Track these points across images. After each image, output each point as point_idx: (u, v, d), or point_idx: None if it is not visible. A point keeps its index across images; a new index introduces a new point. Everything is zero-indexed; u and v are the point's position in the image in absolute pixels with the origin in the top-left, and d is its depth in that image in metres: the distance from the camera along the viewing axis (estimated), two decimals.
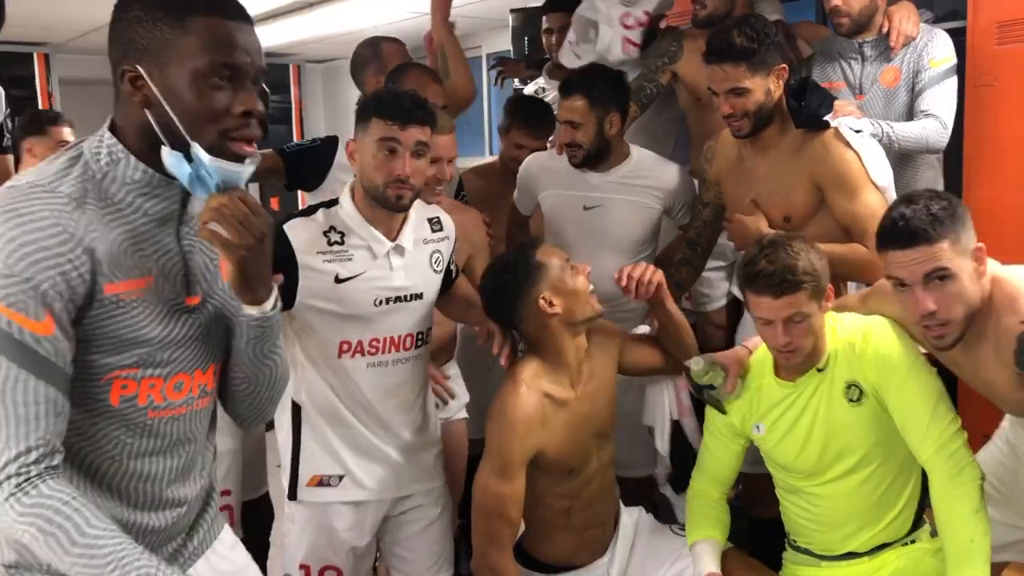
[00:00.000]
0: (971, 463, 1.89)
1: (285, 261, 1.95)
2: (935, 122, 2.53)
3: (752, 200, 2.39)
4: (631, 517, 2.38)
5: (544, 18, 3.59)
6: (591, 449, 2.22)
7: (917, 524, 2.10)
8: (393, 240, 2.09)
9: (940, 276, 1.76)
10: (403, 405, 2.19)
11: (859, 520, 2.06)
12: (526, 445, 2.08)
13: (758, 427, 2.12)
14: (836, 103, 2.38)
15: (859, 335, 2.02)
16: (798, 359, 2.00)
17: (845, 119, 2.33)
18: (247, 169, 1.30)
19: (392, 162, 1.99)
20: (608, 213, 2.62)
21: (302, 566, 2.19)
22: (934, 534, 2.11)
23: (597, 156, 2.62)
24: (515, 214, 2.92)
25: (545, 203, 2.76)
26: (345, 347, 2.09)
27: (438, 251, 2.22)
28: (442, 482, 2.32)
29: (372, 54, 2.99)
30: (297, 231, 2.03)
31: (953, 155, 2.77)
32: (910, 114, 2.62)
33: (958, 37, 2.71)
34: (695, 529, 2.15)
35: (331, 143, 2.73)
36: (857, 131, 2.30)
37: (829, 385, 2.03)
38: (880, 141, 2.43)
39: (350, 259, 2.06)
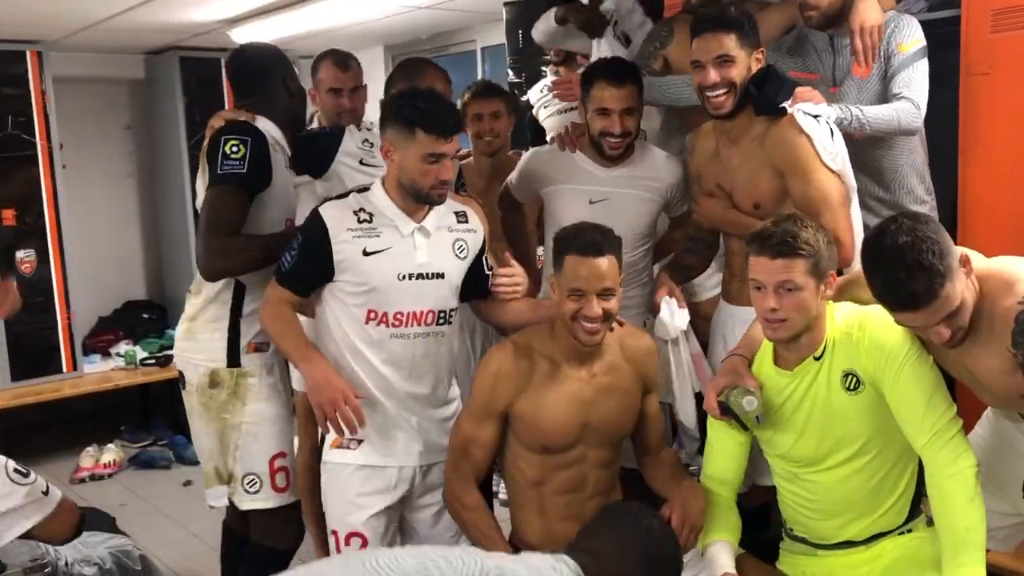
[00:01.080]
0: (967, 451, 1.90)
1: (320, 237, 2.21)
2: (907, 103, 2.49)
3: (717, 184, 2.44)
4: None
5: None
6: (576, 437, 2.24)
7: (913, 514, 2.11)
8: (418, 222, 2.27)
9: (950, 316, 1.80)
10: (423, 377, 2.33)
11: (856, 509, 2.07)
12: (496, 394, 2.23)
13: (757, 418, 2.11)
14: (798, 89, 2.39)
15: (856, 324, 2.03)
16: (786, 333, 2.00)
17: (802, 104, 2.35)
18: None
19: (437, 169, 2.19)
20: (614, 207, 2.62)
21: (332, 531, 2.33)
22: (930, 523, 2.11)
23: (629, 147, 2.65)
24: (507, 200, 2.94)
25: (550, 197, 2.76)
26: (372, 315, 2.26)
27: (462, 240, 2.36)
28: None
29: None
30: (329, 212, 2.25)
31: (948, 144, 2.77)
32: (885, 102, 2.57)
33: (952, 26, 2.70)
34: (707, 533, 2.16)
35: (337, 132, 2.82)
36: (815, 116, 2.32)
37: (827, 374, 2.03)
38: (851, 125, 2.43)
39: (378, 236, 2.24)
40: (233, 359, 2.50)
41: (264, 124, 2.50)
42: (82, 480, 4.67)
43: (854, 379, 2.01)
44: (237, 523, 2.71)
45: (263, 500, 2.53)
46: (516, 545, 2.34)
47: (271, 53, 2.68)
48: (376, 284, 2.24)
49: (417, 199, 2.24)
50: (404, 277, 2.26)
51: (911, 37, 2.53)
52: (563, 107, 3.45)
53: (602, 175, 2.67)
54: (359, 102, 2.97)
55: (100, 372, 5.26)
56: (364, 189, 2.31)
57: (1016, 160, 2.55)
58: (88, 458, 4.78)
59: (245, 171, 2.35)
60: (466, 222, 2.39)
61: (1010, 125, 2.58)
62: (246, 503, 2.55)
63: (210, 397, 2.51)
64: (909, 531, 2.10)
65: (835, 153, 2.31)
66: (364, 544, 2.29)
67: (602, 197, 2.64)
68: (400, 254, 2.25)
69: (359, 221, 2.23)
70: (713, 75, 2.29)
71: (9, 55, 4.90)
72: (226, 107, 5.50)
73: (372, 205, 2.26)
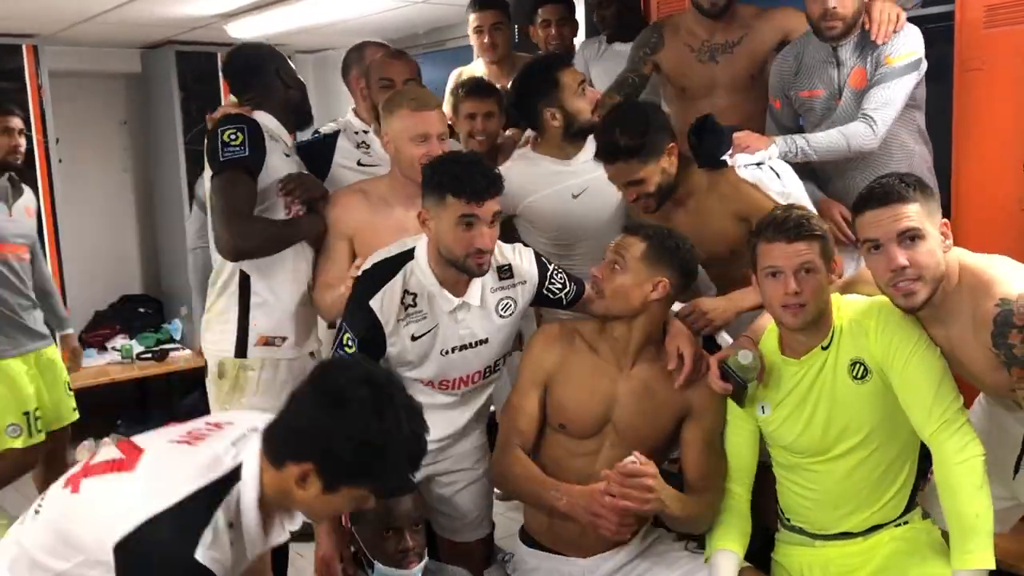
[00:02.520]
0: (974, 440, 1.91)
1: (375, 333, 2.20)
2: (859, 125, 2.48)
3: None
4: (643, 541, 2.32)
5: (539, 10, 3.58)
6: (595, 428, 2.25)
7: (910, 506, 2.12)
8: (460, 297, 2.24)
9: (912, 236, 1.85)
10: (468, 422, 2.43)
11: (857, 500, 2.09)
12: (536, 366, 2.29)
13: (763, 408, 2.13)
14: (734, 136, 2.46)
15: (864, 313, 2.05)
16: (805, 318, 2.00)
17: (739, 158, 2.43)
18: None
19: (471, 235, 2.13)
20: (595, 194, 2.64)
21: None
22: (926, 516, 2.14)
23: (582, 134, 2.68)
24: None
25: (529, 211, 2.73)
26: (420, 381, 2.32)
27: (508, 299, 2.32)
28: (483, 442, 2.49)
29: (356, 57, 3.02)
30: (379, 304, 2.20)
31: (942, 139, 2.79)
32: None
33: (946, 21, 2.72)
34: (714, 538, 2.15)
35: (331, 137, 2.87)
36: (757, 163, 2.42)
37: (834, 363, 2.05)
38: (796, 157, 2.48)
39: (423, 318, 2.24)
40: (240, 350, 2.53)
41: (261, 117, 2.53)
42: None
43: (862, 368, 2.02)
44: None
45: None
46: (524, 540, 2.37)
47: (264, 49, 2.73)
48: (422, 363, 2.29)
49: (457, 269, 2.19)
50: (447, 352, 2.29)
51: (903, 49, 2.51)
52: None
53: (573, 167, 2.70)
54: None
55: (96, 366, 5.25)
56: (409, 256, 2.25)
57: (1009, 155, 2.57)
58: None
59: (247, 154, 2.41)
60: (511, 276, 2.33)
61: (1003, 120, 2.60)
62: None
63: (218, 388, 2.55)
64: (905, 523, 2.11)
65: (786, 192, 2.41)
66: None
67: (582, 188, 2.67)
68: (444, 332, 2.27)
69: (405, 307, 2.22)
70: (630, 195, 2.43)
71: (5, 49, 4.91)
72: (222, 102, 5.53)
73: (416, 282, 2.23)
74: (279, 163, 2.52)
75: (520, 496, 2.35)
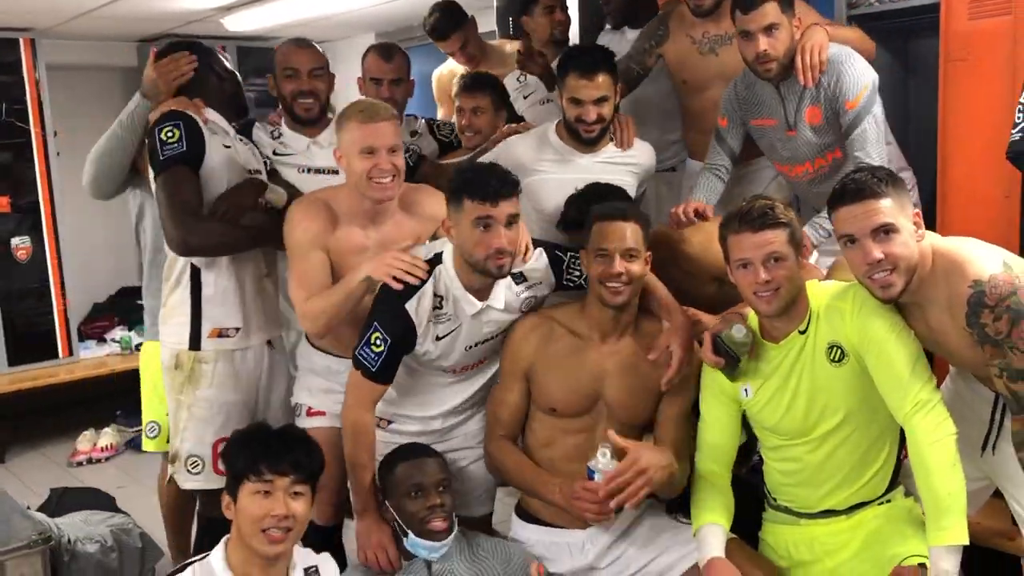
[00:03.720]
0: (947, 420, 1.97)
1: (408, 334, 2.29)
2: None
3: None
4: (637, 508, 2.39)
5: None
6: (586, 406, 2.33)
7: (893, 485, 2.18)
8: (484, 300, 2.32)
9: (886, 230, 1.92)
10: (471, 400, 2.53)
11: (839, 479, 2.15)
12: (516, 358, 2.37)
13: (746, 390, 2.19)
14: None
15: (839, 298, 2.10)
16: (778, 304, 2.06)
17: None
18: None
19: (488, 236, 2.19)
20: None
21: None
22: (908, 495, 2.19)
23: (603, 132, 2.70)
24: None
25: (533, 187, 2.76)
26: (438, 368, 2.43)
27: (532, 296, 2.42)
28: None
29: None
30: (416, 308, 2.28)
31: (928, 129, 2.84)
32: (844, 146, 2.60)
33: (933, 13, 2.76)
34: (700, 513, 2.21)
35: (246, 126, 2.88)
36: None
37: (812, 346, 2.11)
38: (826, 237, 2.47)
39: (448, 319, 2.33)
40: (194, 342, 2.59)
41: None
42: (79, 464, 4.73)
43: (839, 351, 2.08)
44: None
45: (203, 481, 2.62)
46: (521, 515, 2.45)
47: (195, 46, 2.75)
48: (443, 359, 2.39)
49: (479, 272, 2.26)
50: (470, 347, 2.40)
51: (856, 88, 2.52)
52: (543, 97, 3.42)
53: (584, 162, 2.73)
54: (400, 94, 3.05)
55: (95, 358, 5.31)
56: (438, 259, 2.32)
57: (993, 144, 2.59)
58: (85, 442, 4.83)
59: (185, 148, 2.45)
60: (524, 280, 2.39)
61: (987, 110, 2.63)
62: (187, 483, 2.65)
63: (172, 378, 2.62)
64: (888, 501, 2.17)
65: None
66: None
67: (587, 183, 2.67)
68: (467, 331, 2.36)
69: (434, 310, 2.30)
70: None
71: (2, 43, 4.93)
72: None
73: (443, 286, 2.31)
74: (219, 154, 2.56)
75: (516, 485, 2.44)
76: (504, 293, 2.34)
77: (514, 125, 3.03)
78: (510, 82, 3.68)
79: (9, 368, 4.94)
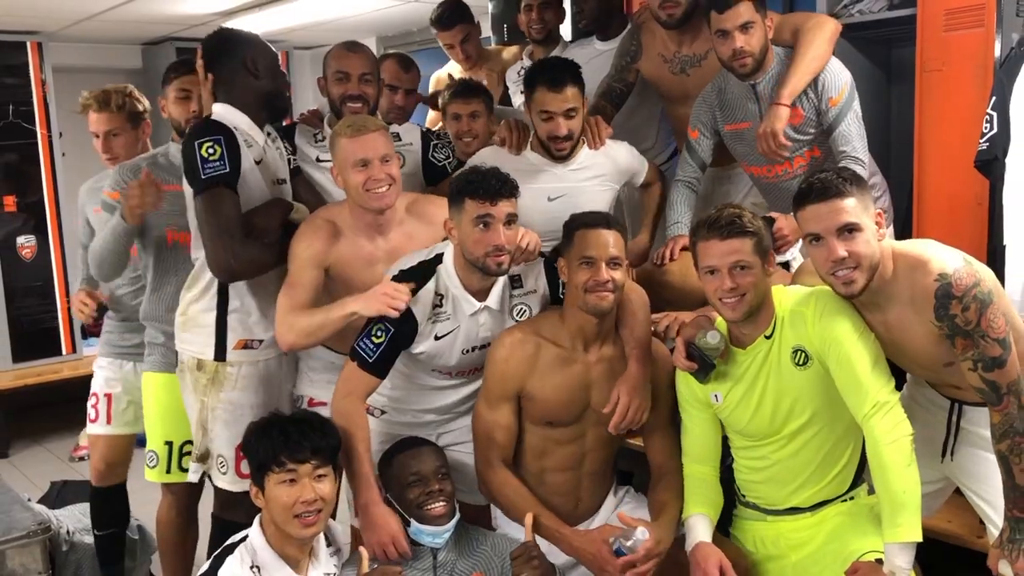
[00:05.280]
0: (904, 421, 2.03)
1: (411, 331, 2.36)
2: (853, 165, 2.52)
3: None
4: (615, 496, 2.54)
5: None
6: (578, 414, 2.39)
7: (856, 483, 2.25)
8: (482, 301, 2.38)
9: (849, 229, 1.98)
10: (464, 401, 2.58)
11: (803, 477, 2.21)
12: (506, 378, 2.37)
13: (716, 396, 2.26)
14: (779, 228, 2.56)
15: (804, 303, 2.17)
16: (743, 310, 2.12)
17: (789, 251, 2.65)
18: None
19: (488, 234, 2.27)
20: (572, 200, 2.70)
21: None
22: (871, 492, 2.26)
23: (574, 148, 2.73)
24: None
25: None
26: (435, 371, 2.50)
27: (523, 305, 2.47)
28: None
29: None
30: (416, 308, 2.35)
31: (905, 136, 2.91)
32: (822, 143, 2.67)
33: (910, 23, 2.83)
34: (689, 506, 2.29)
35: (290, 129, 2.88)
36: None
37: (778, 351, 2.17)
38: None
39: (448, 319, 2.40)
40: (220, 354, 2.58)
41: (229, 114, 2.51)
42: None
43: (803, 355, 2.15)
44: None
45: (228, 482, 2.63)
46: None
47: (241, 36, 2.65)
48: (442, 359, 2.45)
49: (479, 270, 2.32)
50: (468, 351, 2.45)
51: (838, 85, 2.60)
52: None
53: (558, 172, 2.76)
54: (411, 104, 3.13)
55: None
56: (439, 259, 2.38)
57: (966, 152, 2.65)
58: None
59: (228, 170, 2.40)
60: (521, 286, 2.47)
61: (961, 119, 2.70)
62: (219, 481, 2.66)
63: (195, 380, 2.62)
64: (851, 499, 2.24)
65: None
66: None
67: (560, 193, 2.73)
68: (465, 333, 2.41)
69: (434, 308, 2.37)
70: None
71: (10, 46, 5.04)
72: None
73: (443, 284, 2.38)
74: (250, 170, 2.50)
75: (511, 516, 2.43)
76: (500, 296, 2.41)
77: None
78: (510, 75, 3.75)
79: (14, 364, 5.04)
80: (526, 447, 2.44)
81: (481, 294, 2.39)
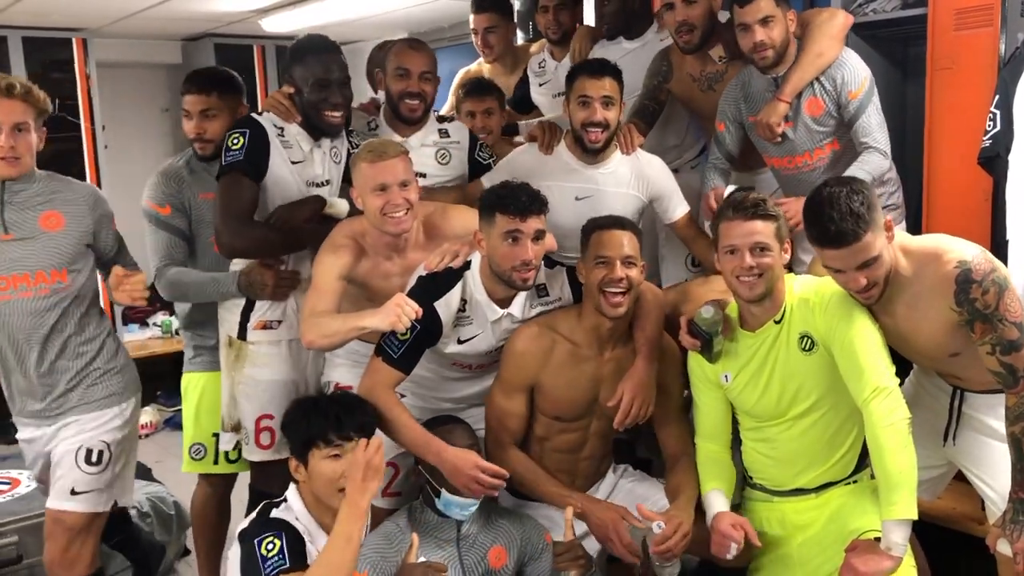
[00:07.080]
0: (902, 406, 2.11)
1: (436, 330, 2.44)
2: (872, 155, 2.61)
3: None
4: (615, 474, 2.67)
5: None
6: (585, 410, 2.50)
7: (860, 467, 2.34)
8: (504, 309, 2.48)
9: (868, 264, 2.06)
10: (480, 394, 2.66)
11: (808, 459, 2.31)
12: (521, 371, 2.48)
13: (726, 376, 2.36)
14: (786, 209, 2.52)
15: (812, 291, 2.27)
16: (758, 290, 2.22)
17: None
18: None
19: (516, 249, 2.35)
20: (598, 203, 2.72)
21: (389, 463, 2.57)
22: (874, 476, 2.34)
23: (609, 140, 2.75)
24: None
25: None
26: (455, 365, 2.61)
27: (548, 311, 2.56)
28: None
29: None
30: (444, 307, 2.44)
31: (916, 133, 2.97)
32: (842, 136, 2.72)
33: (922, 23, 2.89)
34: (705, 482, 2.39)
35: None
36: None
37: (786, 336, 2.27)
38: None
39: (471, 323, 2.50)
40: (242, 333, 2.78)
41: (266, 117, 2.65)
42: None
43: (809, 340, 2.24)
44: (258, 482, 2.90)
45: (249, 452, 2.81)
46: (510, 489, 2.58)
47: (300, 45, 2.72)
48: (463, 358, 2.57)
49: (505, 284, 2.41)
50: (491, 352, 2.56)
51: (859, 79, 2.65)
52: (558, 91, 3.40)
53: (588, 173, 2.77)
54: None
55: (138, 340, 5.58)
56: (467, 266, 2.47)
57: (975, 149, 2.71)
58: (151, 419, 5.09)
59: (243, 158, 2.57)
60: (548, 295, 2.55)
61: (971, 117, 2.75)
62: (246, 453, 2.84)
63: (226, 355, 2.83)
64: (855, 482, 2.33)
65: None
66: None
67: (587, 194, 2.75)
68: (487, 338, 2.51)
69: (458, 312, 2.46)
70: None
71: (57, 42, 5.20)
72: (258, 94, 5.78)
73: (468, 291, 2.47)
74: (281, 168, 2.64)
75: (526, 491, 2.54)
76: (522, 305, 2.49)
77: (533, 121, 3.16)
78: (532, 65, 3.74)
79: None
80: (531, 431, 2.55)
81: (504, 302, 2.48)
